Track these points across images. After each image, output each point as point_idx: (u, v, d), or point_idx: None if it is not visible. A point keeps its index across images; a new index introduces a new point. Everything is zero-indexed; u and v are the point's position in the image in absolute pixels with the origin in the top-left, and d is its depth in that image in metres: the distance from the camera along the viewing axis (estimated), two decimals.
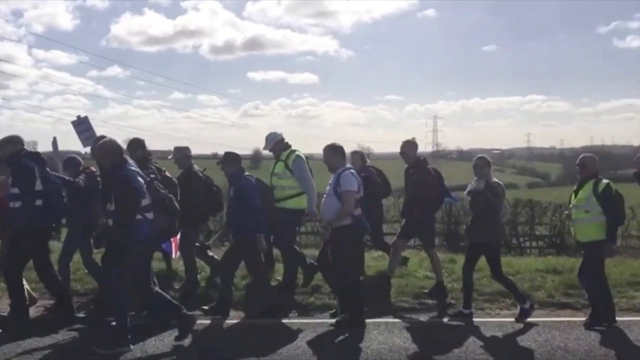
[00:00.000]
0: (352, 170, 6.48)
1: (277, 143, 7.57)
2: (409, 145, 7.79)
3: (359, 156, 8.65)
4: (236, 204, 6.72)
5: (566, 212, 7.59)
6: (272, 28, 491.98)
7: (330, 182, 6.49)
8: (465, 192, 7.08)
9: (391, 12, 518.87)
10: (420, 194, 7.57)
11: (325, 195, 6.56)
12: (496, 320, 6.76)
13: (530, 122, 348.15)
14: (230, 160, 6.84)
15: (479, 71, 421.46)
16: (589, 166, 6.67)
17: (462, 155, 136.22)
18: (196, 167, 7.71)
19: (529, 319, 6.65)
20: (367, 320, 6.47)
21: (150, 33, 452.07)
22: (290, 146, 7.59)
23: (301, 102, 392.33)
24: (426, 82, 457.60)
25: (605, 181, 6.49)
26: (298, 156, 7.43)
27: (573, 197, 6.74)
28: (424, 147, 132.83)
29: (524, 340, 6.04)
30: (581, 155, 6.90)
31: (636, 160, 7.91)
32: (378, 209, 8.50)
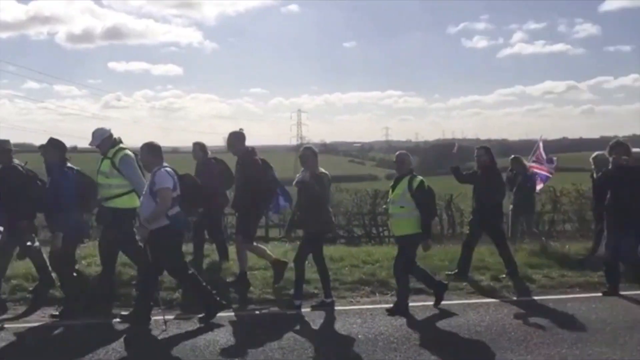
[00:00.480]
0: (168, 169, 6.31)
1: (105, 139, 7.03)
2: (234, 137, 7.65)
3: (199, 147, 8.51)
4: (49, 196, 6.45)
5: (384, 206, 8.03)
6: (134, 17, 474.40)
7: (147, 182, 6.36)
8: (294, 183, 7.18)
9: (255, 6, 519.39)
10: (248, 185, 7.50)
11: (142, 197, 6.40)
12: (356, 308, 7.01)
13: (388, 116, 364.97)
14: (52, 147, 6.50)
15: (341, 66, 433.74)
16: (406, 163, 7.02)
17: (326, 148, 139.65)
18: (16, 161, 7.18)
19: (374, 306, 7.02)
20: (227, 314, 6.52)
21: (0, 18, 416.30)
22: (119, 143, 7.11)
23: (165, 94, 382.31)
24: (290, 76, 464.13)
25: (419, 178, 6.87)
26: (126, 154, 6.96)
27: (390, 192, 7.07)
28: (289, 140, 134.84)
29: (381, 326, 6.30)
30: (397, 152, 7.20)
31: (476, 157, 8.52)
32: (219, 202, 8.38)
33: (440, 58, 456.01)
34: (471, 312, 6.85)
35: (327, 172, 7.07)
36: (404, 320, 6.52)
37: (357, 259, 8.92)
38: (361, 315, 6.71)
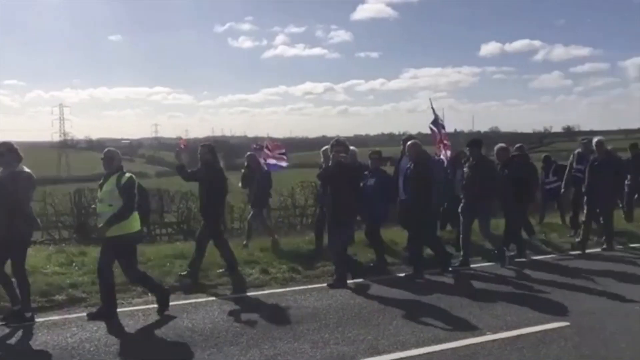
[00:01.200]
0: None
1: None
2: None
3: None
4: None
5: (93, 206, 7.80)
6: None
7: None
8: None
9: None
10: None
11: None
12: (128, 310, 6.86)
13: (157, 112, 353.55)
14: None
15: (106, 60, 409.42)
16: (115, 160, 6.73)
17: (92, 145, 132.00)
18: None
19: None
20: None
21: None
22: None
23: None
24: (50, 68, 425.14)
25: (128, 174, 6.67)
26: None
27: (99, 191, 6.78)
28: (51, 136, 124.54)
29: (154, 325, 6.31)
30: (105, 149, 6.89)
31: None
32: None
33: (208, 56, 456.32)
34: (244, 305, 7.12)
35: (30, 171, 6.49)
36: (177, 318, 6.55)
37: None
38: (133, 316, 6.60)
